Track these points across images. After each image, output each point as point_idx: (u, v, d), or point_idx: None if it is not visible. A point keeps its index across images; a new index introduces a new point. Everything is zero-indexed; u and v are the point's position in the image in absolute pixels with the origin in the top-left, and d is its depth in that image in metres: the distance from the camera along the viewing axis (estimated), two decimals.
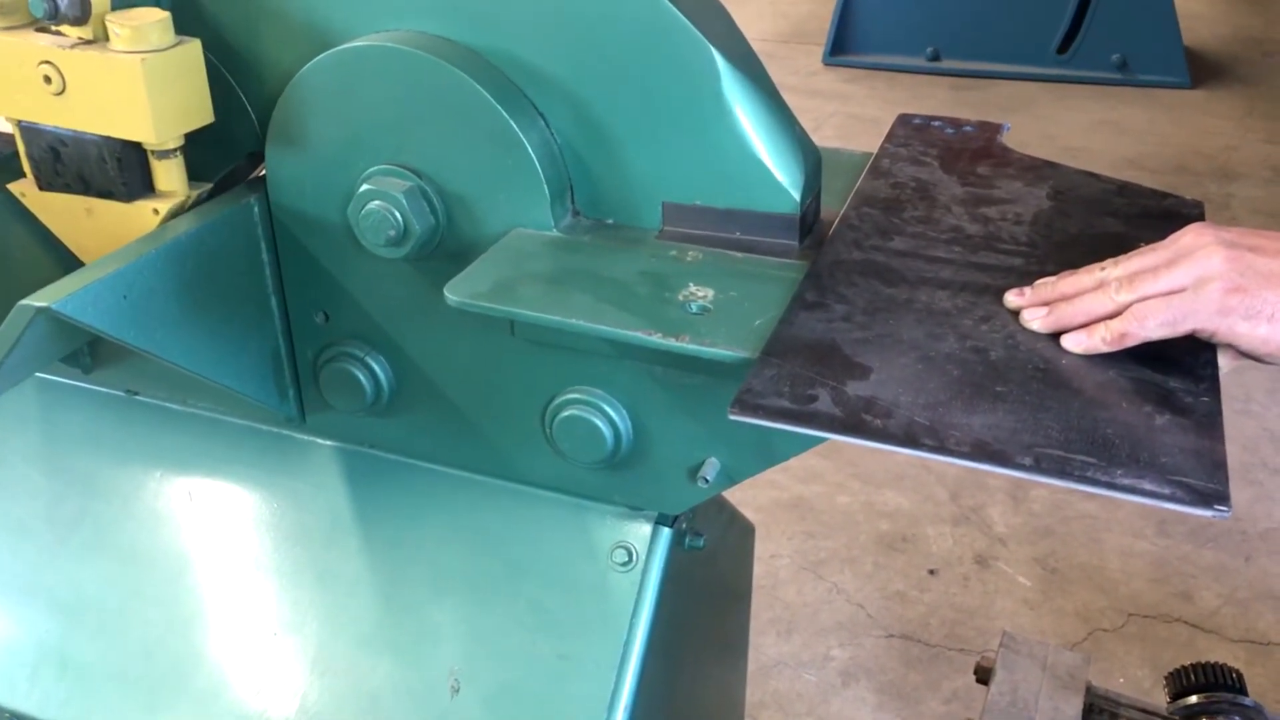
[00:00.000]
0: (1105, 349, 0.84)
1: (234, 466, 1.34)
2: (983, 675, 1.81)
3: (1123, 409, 0.79)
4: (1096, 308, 0.85)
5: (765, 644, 2.43)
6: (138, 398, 1.37)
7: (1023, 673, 1.75)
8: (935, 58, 6.04)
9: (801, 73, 5.87)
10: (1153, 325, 0.82)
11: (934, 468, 2.97)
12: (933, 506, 2.86)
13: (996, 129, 1.27)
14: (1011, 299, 0.91)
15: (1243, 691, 1.65)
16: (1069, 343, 0.85)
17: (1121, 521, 2.80)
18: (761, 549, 2.65)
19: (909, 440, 0.76)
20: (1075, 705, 1.69)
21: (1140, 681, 2.35)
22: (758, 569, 2.56)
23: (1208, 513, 0.70)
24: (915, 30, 6.04)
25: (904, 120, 1.30)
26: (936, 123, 1.29)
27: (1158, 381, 0.82)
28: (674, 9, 0.98)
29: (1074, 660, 1.77)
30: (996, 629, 2.48)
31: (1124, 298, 0.84)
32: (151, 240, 1.05)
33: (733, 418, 0.81)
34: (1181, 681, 1.68)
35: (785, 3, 6.90)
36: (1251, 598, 2.57)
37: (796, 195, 1.01)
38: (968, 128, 1.28)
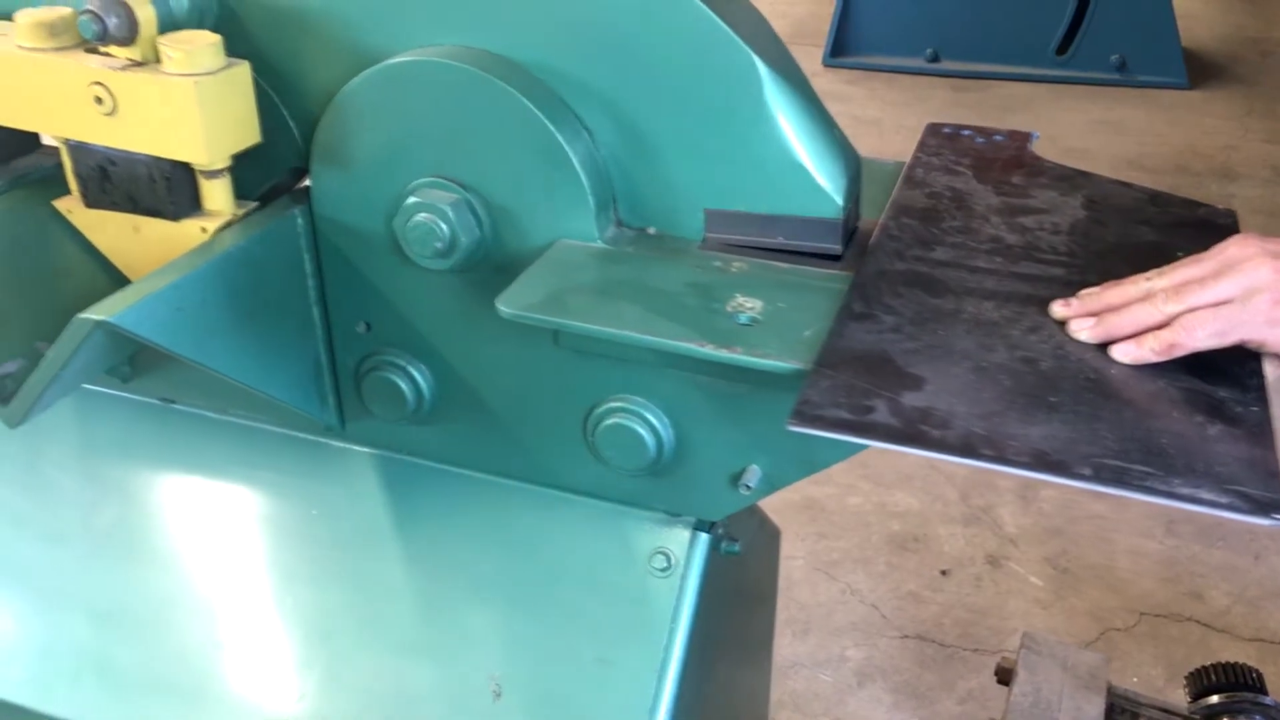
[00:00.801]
0: (1154, 359, 0.86)
1: (271, 474, 1.35)
2: (1003, 676, 1.83)
3: (1174, 419, 0.81)
4: (1144, 318, 0.87)
5: (781, 644, 2.45)
6: (174, 406, 1.38)
7: (1044, 673, 1.77)
8: (935, 59, 6.06)
9: None
10: (1202, 336, 0.84)
11: (943, 468, 2.99)
12: (943, 507, 2.88)
13: (1026, 138, 1.29)
14: (1058, 309, 0.93)
15: (1263, 691, 1.66)
16: (1118, 353, 0.87)
17: (1131, 522, 2.82)
18: None
19: (968, 450, 0.78)
20: (1097, 705, 1.71)
21: (1154, 680, 2.37)
22: None
23: (1265, 522, 0.71)
24: (915, 31, 6.06)
25: (934, 130, 1.31)
26: (966, 132, 1.30)
27: (1207, 391, 0.83)
28: (716, 18, 1.00)
29: (1095, 660, 1.78)
30: (1010, 629, 2.50)
31: (1172, 308, 0.86)
32: (203, 253, 1.06)
33: (792, 429, 0.82)
34: (1202, 681, 1.69)
35: (785, 3, 6.91)
36: (1262, 596, 2.60)
37: (839, 200, 1.03)
38: (998, 137, 1.29)
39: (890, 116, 5.46)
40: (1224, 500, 0.72)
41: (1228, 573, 2.67)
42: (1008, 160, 1.23)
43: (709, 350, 0.93)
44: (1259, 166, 4.98)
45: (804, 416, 0.82)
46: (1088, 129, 5.35)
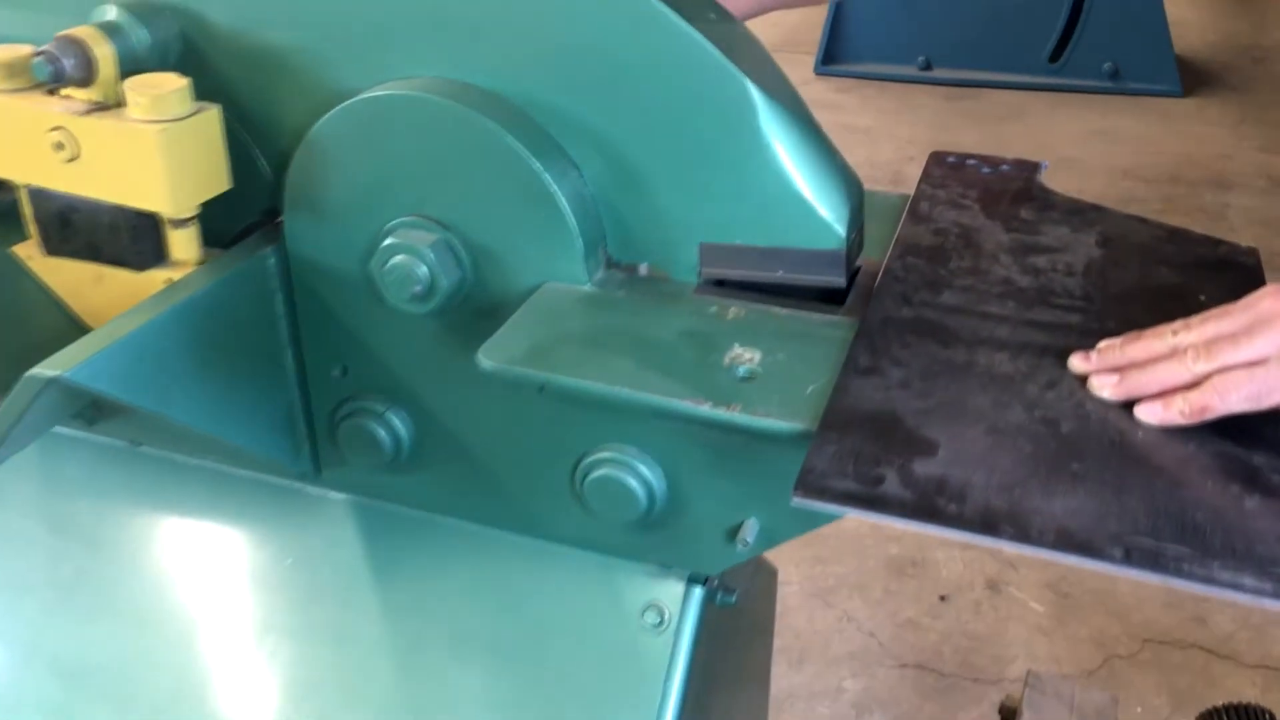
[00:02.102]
0: (1183, 422, 0.80)
1: (244, 521, 1.29)
2: (1007, 715, 1.77)
3: (1208, 489, 0.75)
4: (1171, 377, 0.81)
5: (777, 675, 2.38)
6: (142, 449, 1.31)
7: (1050, 713, 1.71)
8: (927, 67, 6.02)
9: (794, 83, 5.82)
10: (1235, 400, 0.78)
11: None
12: None
13: (1034, 167, 1.23)
14: (1077, 364, 0.87)
15: None
16: (1144, 414, 0.81)
17: None
18: None
19: (988, 528, 0.72)
20: None
21: (1158, 710, 2.32)
22: None
23: None
24: (907, 39, 6.02)
25: (938, 159, 1.26)
26: (972, 161, 1.25)
27: (1240, 456, 0.78)
28: (707, 43, 0.94)
29: (1102, 700, 1.73)
30: (1011, 657, 2.44)
31: (1202, 368, 0.80)
32: (165, 299, 0.99)
33: (796, 502, 0.76)
34: None
35: (776, 12, 6.87)
36: (1266, 622, 2.54)
37: (842, 230, 0.97)
38: (1004, 167, 1.23)
39: (882, 125, 5.41)
40: (1268, 587, 0.66)
41: None
42: (1016, 193, 1.18)
43: (706, 410, 0.87)
44: (1254, 176, 4.94)
45: (810, 488, 0.76)
46: (1081, 138, 5.31)
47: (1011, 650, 2.46)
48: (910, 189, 1.20)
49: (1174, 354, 0.82)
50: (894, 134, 5.27)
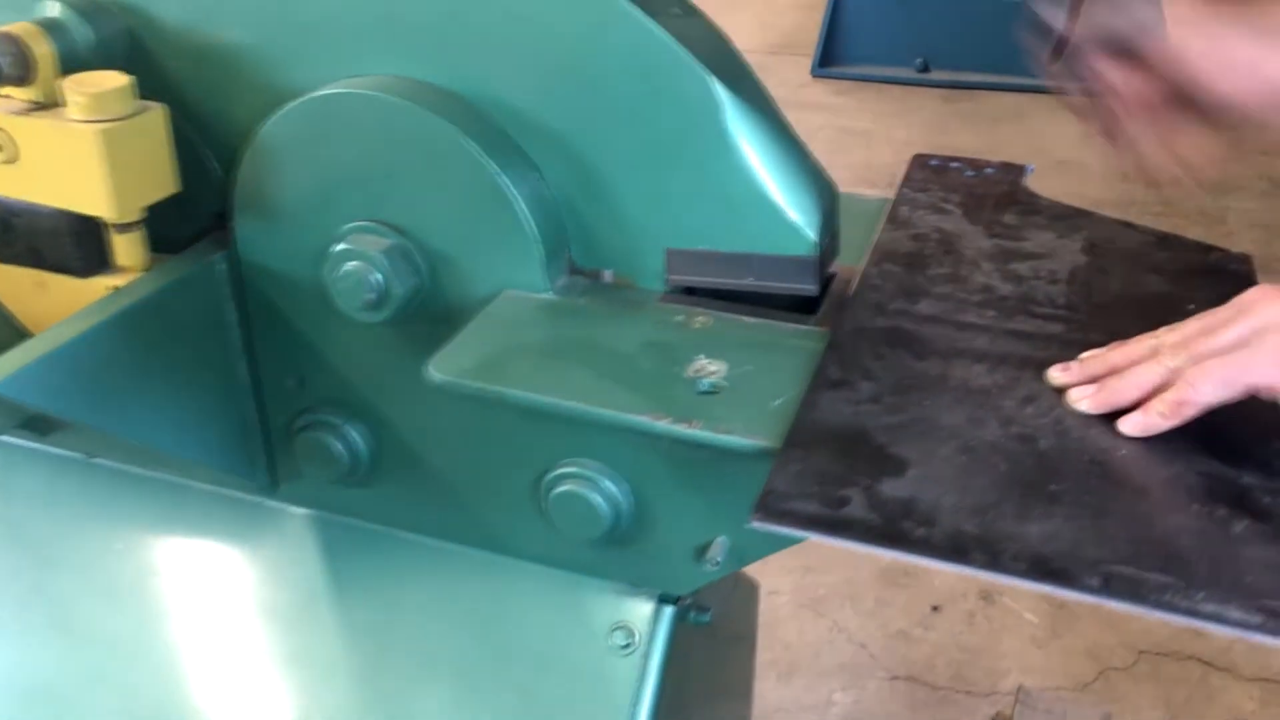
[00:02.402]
0: (1166, 425, 0.75)
1: (201, 536, 1.24)
2: None
3: (1193, 513, 0.70)
4: (1148, 379, 0.76)
5: (765, 688, 2.34)
6: (97, 461, 1.27)
7: None
8: (924, 69, 5.96)
9: (790, 85, 5.77)
10: (1209, 389, 0.73)
11: None
12: None
13: (1020, 171, 1.19)
14: (1056, 376, 0.82)
15: None
16: (1125, 426, 0.76)
17: None
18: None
19: (957, 554, 0.67)
20: None
21: None
22: None
23: None
24: (904, 41, 5.96)
25: (921, 162, 1.21)
26: (955, 164, 1.20)
27: (1229, 476, 0.73)
28: (670, 39, 0.90)
29: (1094, 718, 1.68)
30: (1004, 669, 2.39)
31: (1178, 362, 0.76)
32: (105, 307, 0.95)
33: (755, 526, 0.71)
34: None
35: (772, 14, 6.81)
36: None
37: (813, 235, 0.93)
38: (989, 170, 1.19)
39: (880, 128, 5.35)
40: (1255, 620, 0.62)
41: None
42: (1000, 197, 1.13)
43: (665, 425, 0.82)
44: (1254, 179, 4.89)
45: (770, 511, 0.71)
46: (1080, 140, 5.25)
47: (1004, 663, 2.40)
48: None
49: (1154, 355, 0.78)
50: (892, 136, 5.22)
